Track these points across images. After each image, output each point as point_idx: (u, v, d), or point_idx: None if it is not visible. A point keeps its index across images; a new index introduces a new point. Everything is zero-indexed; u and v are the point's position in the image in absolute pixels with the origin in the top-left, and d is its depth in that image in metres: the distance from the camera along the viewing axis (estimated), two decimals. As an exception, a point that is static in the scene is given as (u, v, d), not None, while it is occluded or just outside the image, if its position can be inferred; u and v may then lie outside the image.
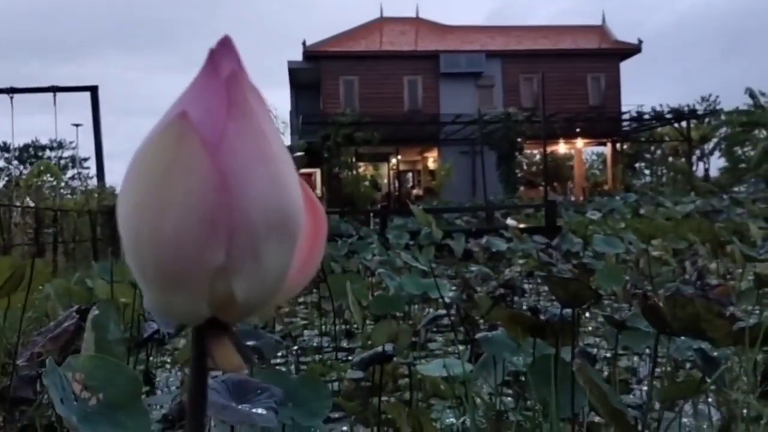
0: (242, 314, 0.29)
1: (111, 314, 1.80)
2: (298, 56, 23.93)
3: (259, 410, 0.83)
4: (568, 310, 1.31)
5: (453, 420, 1.73)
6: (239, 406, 0.82)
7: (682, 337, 1.33)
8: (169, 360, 2.61)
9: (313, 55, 23.54)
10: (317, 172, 23.66)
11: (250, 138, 0.27)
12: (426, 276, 2.81)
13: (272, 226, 0.28)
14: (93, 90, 14.00)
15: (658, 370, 2.02)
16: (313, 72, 23.48)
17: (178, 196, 0.26)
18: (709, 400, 1.83)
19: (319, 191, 21.56)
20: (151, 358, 2.39)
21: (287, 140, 21.07)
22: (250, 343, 1.66)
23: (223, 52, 0.28)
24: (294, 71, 24.07)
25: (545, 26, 27.53)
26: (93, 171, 13.77)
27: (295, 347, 2.73)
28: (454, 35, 25.33)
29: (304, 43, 23.61)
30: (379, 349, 1.38)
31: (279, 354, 2.58)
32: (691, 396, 1.47)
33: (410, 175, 26.48)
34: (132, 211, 0.28)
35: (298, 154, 18.49)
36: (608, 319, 1.52)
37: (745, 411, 1.59)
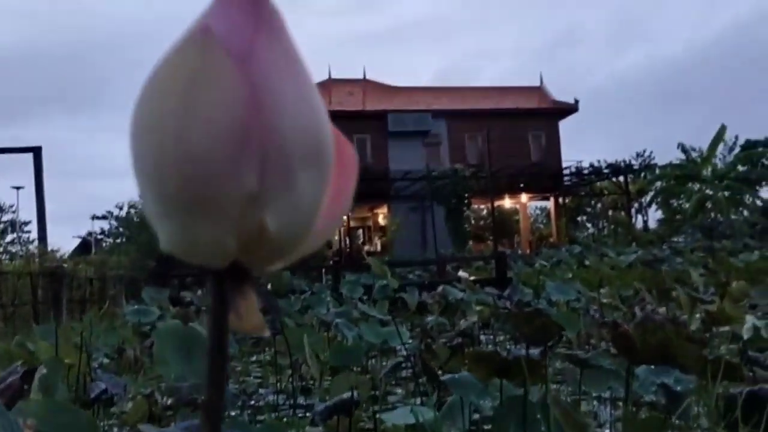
0: (272, 255, 0.27)
1: (58, 374, 1.70)
2: (247, 116, 24.09)
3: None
4: (533, 351, 1.31)
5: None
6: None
7: (647, 371, 1.34)
8: (116, 422, 2.47)
9: (261, 115, 23.72)
10: (266, 230, 23.48)
11: (280, 54, 0.25)
12: (385, 325, 2.77)
13: (307, 152, 0.26)
14: (36, 151, 13.68)
15: (618, 412, 2.02)
16: (262, 131, 23.63)
17: (205, 109, 0.24)
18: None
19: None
20: (98, 422, 2.26)
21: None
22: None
23: None
24: (242, 130, 24.16)
25: (487, 87, 28.62)
26: (34, 234, 13.27)
27: (251, 402, 2.63)
28: (401, 95, 26.01)
29: (252, 104, 23.83)
30: (344, 396, 1.34)
31: (233, 413, 2.47)
32: (656, 433, 1.47)
33: (361, 231, 26.55)
34: (152, 126, 0.25)
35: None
36: (570, 357, 1.52)
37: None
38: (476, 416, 1.76)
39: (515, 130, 24.97)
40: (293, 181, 0.26)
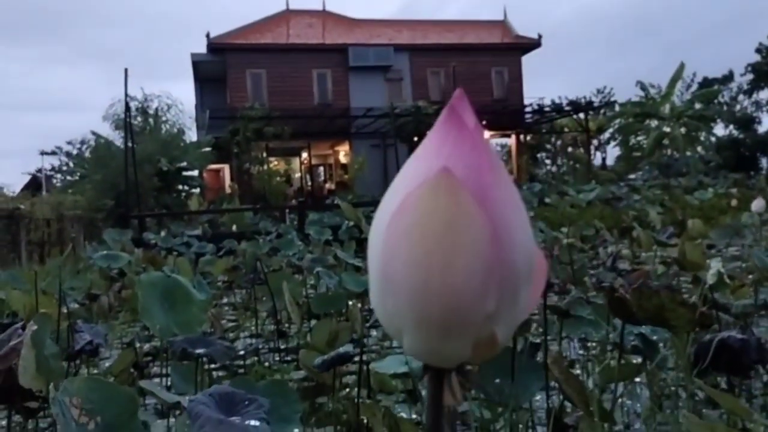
0: (489, 355, 0.30)
1: (47, 328, 1.70)
2: (202, 49, 23.22)
3: (253, 422, 0.81)
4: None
5: (404, 415, 1.76)
6: (232, 419, 0.80)
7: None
8: (99, 372, 2.49)
9: (217, 47, 22.90)
10: (226, 167, 23.10)
11: (505, 189, 0.29)
12: (358, 271, 2.83)
13: (527, 272, 0.30)
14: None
15: (590, 352, 2.13)
16: (219, 65, 22.84)
17: (463, 248, 0.28)
18: (637, 380, 1.96)
19: (228, 187, 21.06)
20: (84, 371, 2.27)
21: (194, 136, 20.41)
22: (200, 351, 1.62)
23: (462, 105, 0.30)
24: (198, 64, 23.34)
25: (450, 21, 28.12)
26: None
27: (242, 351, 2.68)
28: (362, 29, 25.40)
29: (208, 35, 22.92)
30: (341, 350, 1.39)
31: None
32: (631, 378, 1.57)
33: (322, 169, 26.39)
34: (416, 262, 0.28)
35: (206, 149, 17.95)
36: (553, 308, 1.60)
37: (674, 388, 1.72)
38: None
39: (478, 66, 24.75)
40: (518, 297, 0.30)
